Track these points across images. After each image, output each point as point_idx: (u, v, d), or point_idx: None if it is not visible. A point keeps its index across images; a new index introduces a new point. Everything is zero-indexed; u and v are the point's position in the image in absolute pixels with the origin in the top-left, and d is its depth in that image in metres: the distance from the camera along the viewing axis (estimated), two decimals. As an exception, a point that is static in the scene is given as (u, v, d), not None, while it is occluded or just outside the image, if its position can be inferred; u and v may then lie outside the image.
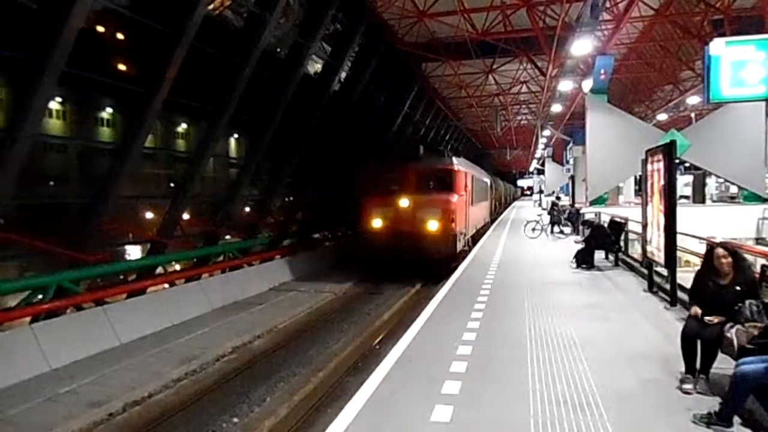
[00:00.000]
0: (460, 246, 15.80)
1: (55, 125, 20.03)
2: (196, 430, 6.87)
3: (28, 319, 8.99)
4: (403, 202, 15.49)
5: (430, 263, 15.38)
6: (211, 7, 13.62)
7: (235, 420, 7.17)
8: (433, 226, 15.17)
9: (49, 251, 9.88)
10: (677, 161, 13.46)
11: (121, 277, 13.18)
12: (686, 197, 27.61)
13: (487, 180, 27.53)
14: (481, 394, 5.06)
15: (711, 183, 28.80)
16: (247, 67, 12.64)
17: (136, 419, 6.92)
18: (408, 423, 4.51)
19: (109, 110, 25.67)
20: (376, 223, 15.80)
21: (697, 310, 5.01)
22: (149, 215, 23.17)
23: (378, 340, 10.86)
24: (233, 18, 15.75)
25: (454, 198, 15.58)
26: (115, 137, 24.82)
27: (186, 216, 15.13)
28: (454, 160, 16.59)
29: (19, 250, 10.91)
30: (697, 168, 23.08)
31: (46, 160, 20.05)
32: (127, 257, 18.34)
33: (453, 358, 6.06)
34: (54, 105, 19.70)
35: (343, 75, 19.07)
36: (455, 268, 13.14)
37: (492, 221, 29.82)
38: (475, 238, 20.40)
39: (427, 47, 21.77)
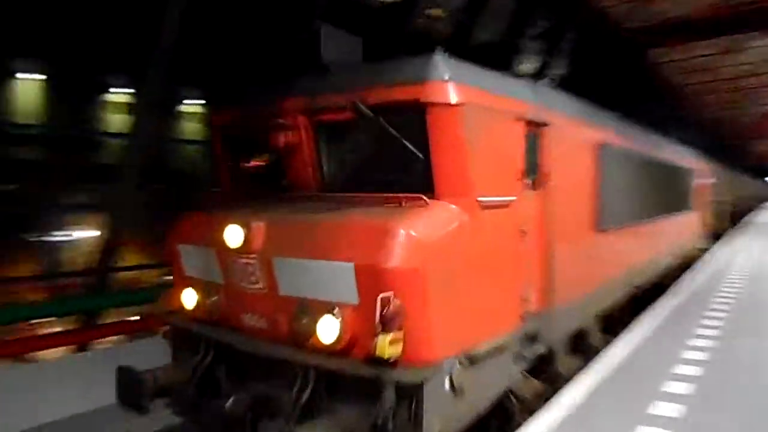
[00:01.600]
0: (474, 410, 4.23)
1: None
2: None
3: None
4: (234, 236, 4.25)
5: None
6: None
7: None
8: (329, 335, 3.76)
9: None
10: None
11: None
12: None
13: (689, 165, 13.48)
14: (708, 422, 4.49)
15: None
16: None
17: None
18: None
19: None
20: (187, 299, 4.89)
21: None
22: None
23: None
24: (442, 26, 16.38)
25: (440, 215, 3.99)
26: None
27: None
28: (447, 64, 4.06)
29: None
30: None
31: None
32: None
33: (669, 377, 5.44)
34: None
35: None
36: None
37: (718, 236, 18.12)
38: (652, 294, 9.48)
39: (652, 30, 19.63)
